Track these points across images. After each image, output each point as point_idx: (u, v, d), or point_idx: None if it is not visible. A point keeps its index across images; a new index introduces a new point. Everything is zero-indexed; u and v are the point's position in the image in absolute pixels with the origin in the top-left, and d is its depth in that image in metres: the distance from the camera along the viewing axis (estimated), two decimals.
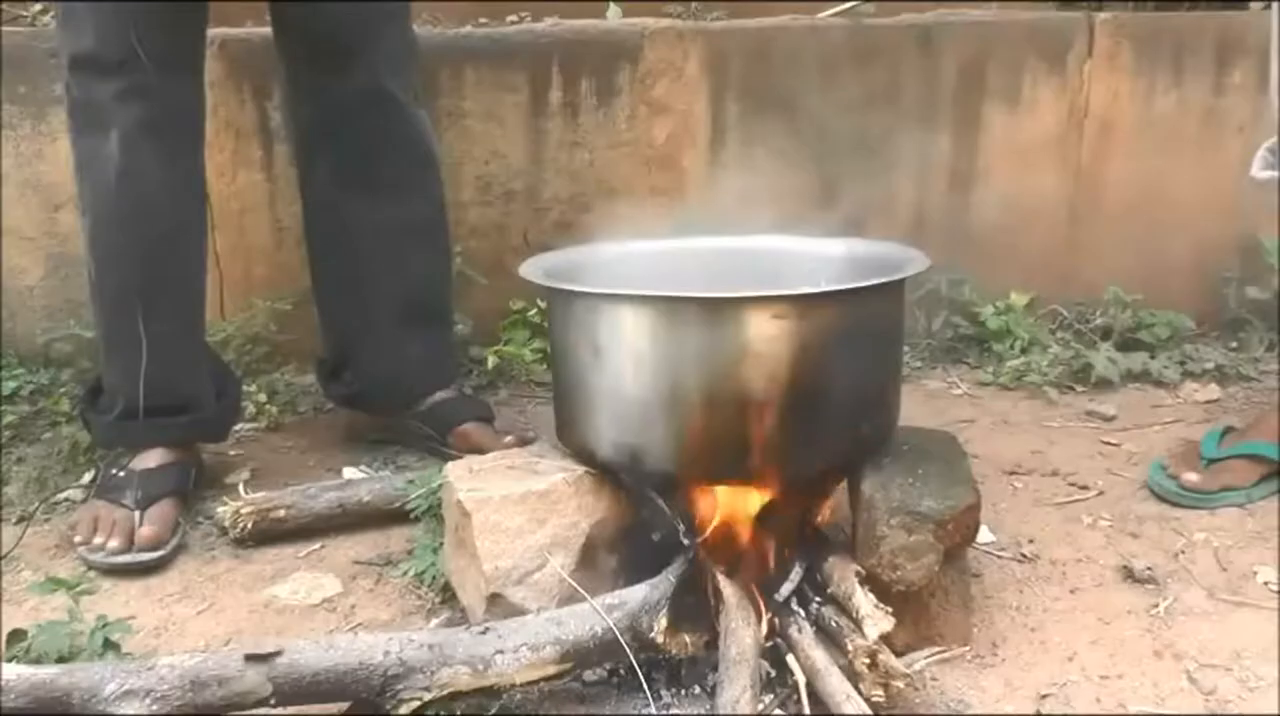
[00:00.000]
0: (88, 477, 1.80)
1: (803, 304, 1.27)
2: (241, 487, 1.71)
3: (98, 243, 1.64)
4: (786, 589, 1.32)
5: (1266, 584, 1.53)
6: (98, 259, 1.65)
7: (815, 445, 1.31)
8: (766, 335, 1.24)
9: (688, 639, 1.24)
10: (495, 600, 1.32)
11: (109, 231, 1.62)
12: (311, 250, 1.89)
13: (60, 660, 1.26)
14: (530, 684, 1.22)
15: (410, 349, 1.85)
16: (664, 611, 1.23)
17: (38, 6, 2.31)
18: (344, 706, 1.21)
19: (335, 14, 1.68)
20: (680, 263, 1.58)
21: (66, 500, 1.76)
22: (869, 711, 1.18)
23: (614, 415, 1.33)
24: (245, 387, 2.02)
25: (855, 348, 1.30)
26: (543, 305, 2.19)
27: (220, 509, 1.64)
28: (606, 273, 1.48)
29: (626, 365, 1.30)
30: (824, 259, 1.56)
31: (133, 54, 1.52)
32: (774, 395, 1.26)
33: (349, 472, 1.84)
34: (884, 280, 1.34)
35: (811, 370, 1.26)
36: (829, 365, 1.28)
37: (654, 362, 1.29)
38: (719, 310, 1.26)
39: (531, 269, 1.41)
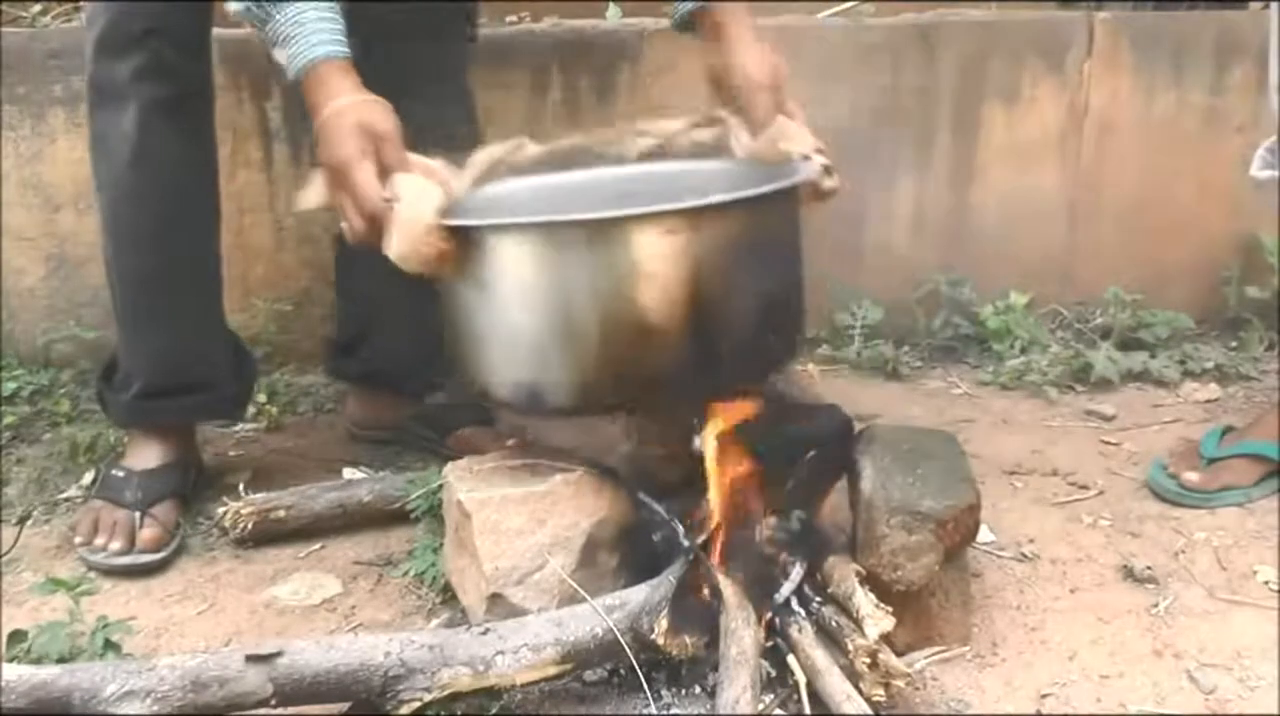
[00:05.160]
0: (88, 478, 1.80)
1: (692, 217, 1.22)
2: (241, 488, 1.71)
3: (113, 220, 1.64)
4: (787, 589, 1.32)
5: (1266, 583, 1.53)
6: (113, 236, 1.65)
7: (721, 363, 1.27)
8: (658, 253, 1.20)
9: (688, 639, 1.24)
10: (495, 600, 1.32)
11: (125, 209, 1.62)
12: None
13: (61, 660, 1.26)
14: (531, 684, 1.23)
15: (419, 331, 1.84)
16: (664, 612, 1.23)
17: (37, 7, 2.31)
18: (344, 707, 1.21)
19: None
20: (572, 195, 1.48)
21: (66, 500, 1.76)
22: (869, 711, 1.18)
23: (508, 353, 1.30)
24: None
25: (751, 259, 1.26)
26: None
27: (220, 509, 1.64)
28: (497, 211, 1.40)
29: (514, 299, 1.26)
30: (722, 177, 1.46)
31: (148, 32, 1.53)
32: (672, 315, 1.21)
33: (349, 473, 1.84)
34: (771, 188, 1.29)
35: (709, 286, 1.22)
36: (727, 279, 1.23)
37: (543, 294, 1.24)
38: (604, 231, 1.22)
39: None
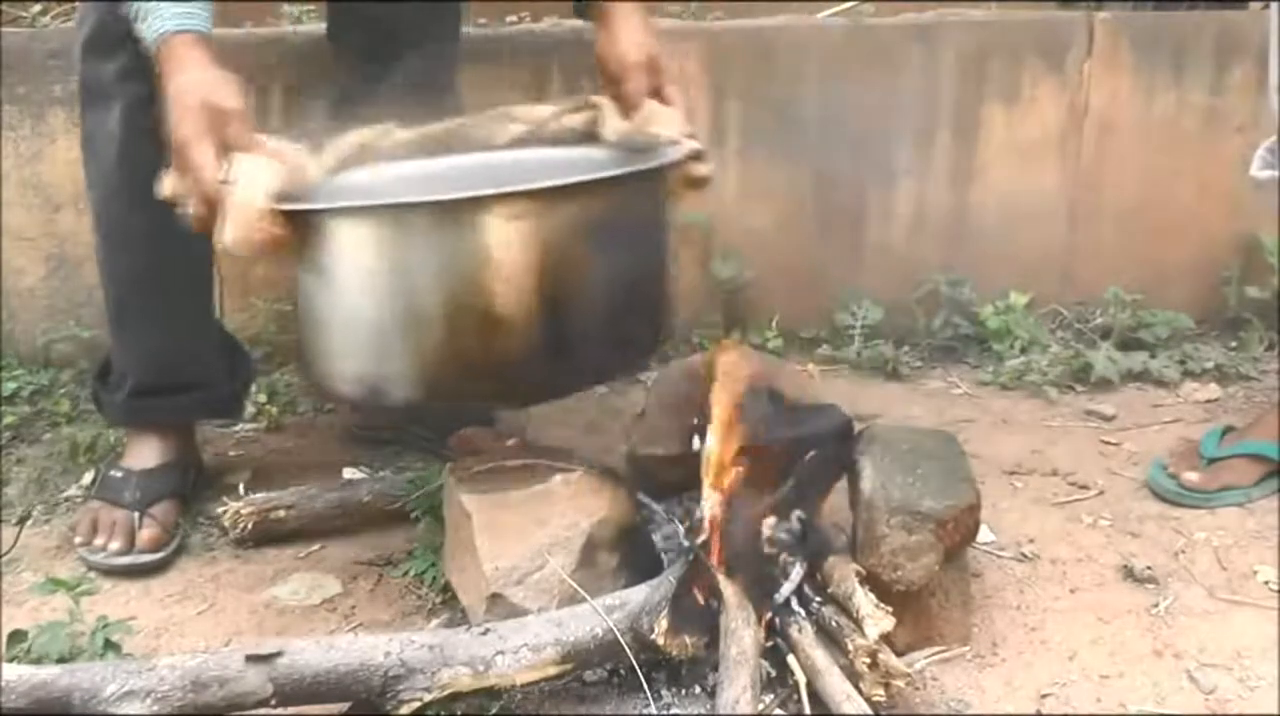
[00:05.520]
0: (88, 478, 1.79)
1: (534, 201, 1.16)
2: (241, 488, 1.71)
3: (103, 220, 1.64)
4: (787, 589, 1.32)
5: (1266, 583, 1.53)
6: (104, 236, 1.65)
7: (575, 355, 1.22)
8: (504, 239, 1.15)
9: (688, 639, 1.24)
10: (495, 600, 1.32)
11: (114, 208, 1.62)
12: None
13: (61, 661, 1.26)
14: (531, 684, 1.23)
15: None
16: (664, 612, 1.23)
17: (37, 7, 2.31)
18: (344, 707, 1.21)
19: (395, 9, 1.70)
20: (432, 181, 1.39)
21: (66, 500, 1.76)
22: (869, 711, 1.18)
23: (349, 344, 1.24)
24: None
25: (605, 245, 1.20)
26: None
27: (220, 509, 1.64)
28: (351, 196, 1.33)
29: (352, 286, 1.21)
30: (583, 162, 1.41)
31: (131, 31, 1.52)
32: (515, 303, 1.16)
33: (349, 473, 1.84)
34: (617, 172, 1.24)
35: (559, 272, 1.17)
36: (577, 265, 1.18)
37: (381, 281, 1.19)
38: (440, 215, 1.16)
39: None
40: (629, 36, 1.48)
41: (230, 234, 1.22)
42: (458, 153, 1.47)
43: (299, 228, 1.22)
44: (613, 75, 1.48)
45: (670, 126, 1.40)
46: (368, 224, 1.21)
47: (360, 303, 1.21)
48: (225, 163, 1.23)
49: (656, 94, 1.46)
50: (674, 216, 1.41)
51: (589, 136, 1.46)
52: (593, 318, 1.22)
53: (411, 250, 1.18)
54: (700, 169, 1.39)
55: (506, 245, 1.16)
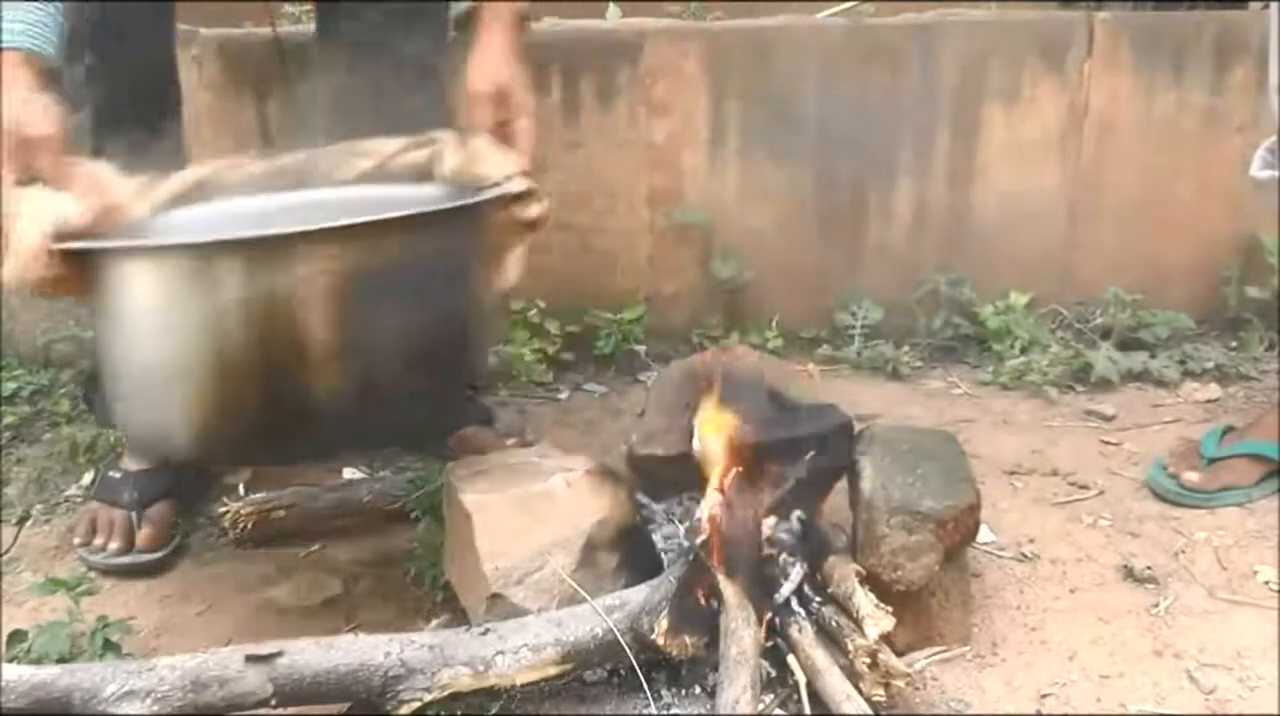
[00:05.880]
0: (88, 478, 1.80)
1: (294, 245, 1.08)
2: (241, 488, 1.71)
3: None
4: (787, 589, 1.32)
5: (1267, 583, 1.53)
6: None
7: (365, 408, 1.15)
8: (279, 284, 1.08)
9: (688, 639, 1.24)
10: (495, 600, 1.32)
11: None
12: None
13: (61, 661, 1.26)
14: (531, 684, 1.23)
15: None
16: (664, 612, 1.23)
17: None
18: (344, 707, 1.21)
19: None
20: (259, 219, 1.32)
21: (66, 500, 1.76)
22: (869, 711, 1.18)
23: (130, 388, 1.18)
24: None
25: (401, 293, 1.14)
26: (542, 305, 2.19)
27: (220, 509, 1.64)
28: (172, 234, 1.27)
29: (130, 331, 1.14)
30: (407, 202, 1.32)
31: (91, 31, 1.49)
32: (297, 354, 1.09)
33: (349, 473, 1.84)
34: (406, 213, 1.15)
35: (345, 321, 1.10)
36: (364, 314, 1.11)
37: (157, 327, 1.12)
38: (207, 258, 1.09)
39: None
40: (481, 64, 1.41)
41: (6, 269, 1.16)
42: (301, 187, 1.41)
43: (83, 266, 1.16)
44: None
45: (497, 166, 1.32)
46: (142, 265, 1.14)
47: (134, 349, 1.16)
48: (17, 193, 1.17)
49: (503, 127, 1.39)
50: (507, 259, 1.34)
51: (428, 174, 1.40)
52: (377, 372, 1.15)
53: (184, 294, 1.11)
54: (528, 211, 1.32)
55: (282, 291, 1.09)
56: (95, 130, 1.54)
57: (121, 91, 1.56)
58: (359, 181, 1.40)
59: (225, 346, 1.11)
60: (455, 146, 1.37)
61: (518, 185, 1.31)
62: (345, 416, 1.15)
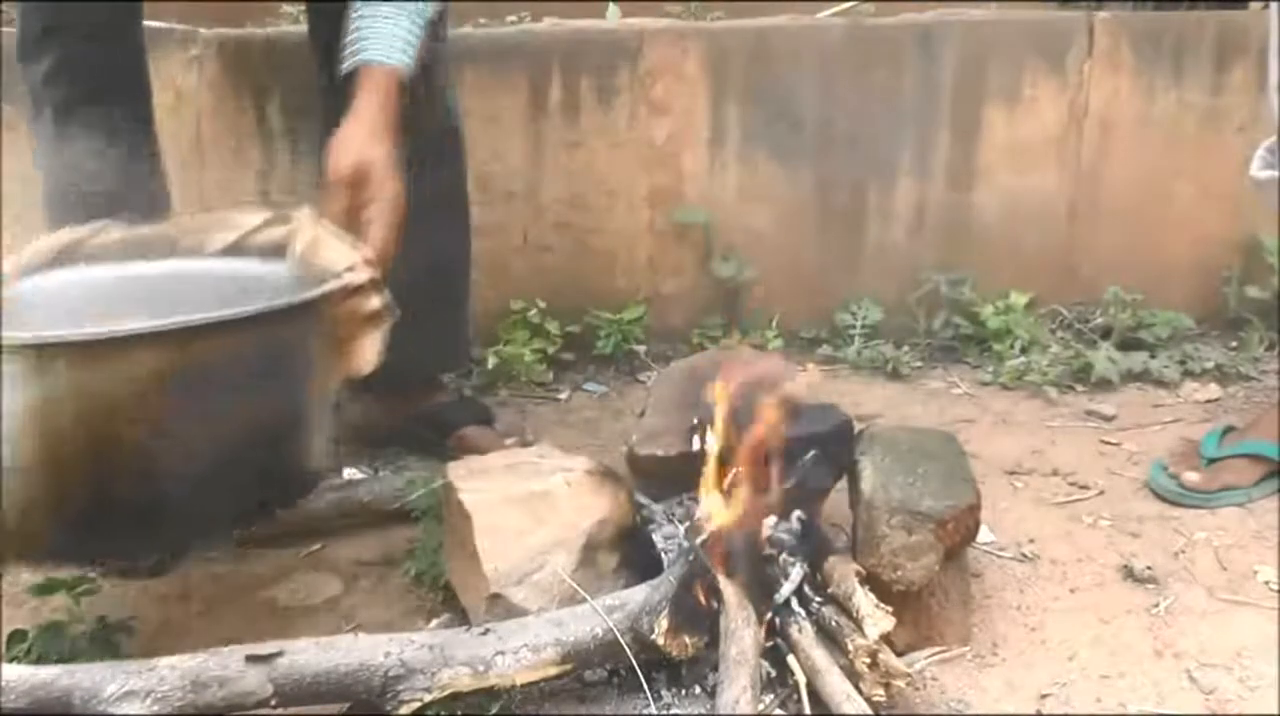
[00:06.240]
0: None
1: (91, 347, 1.05)
2: None
3: (54, 227, 1.62)
4: (787, 589, 1.32)
5: (1267, 583, 1.53)
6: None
7: (164, 513, 1.13)
8: (48, 387, 1.06)
9: (688, 639, 1.24)
10: (495, 601, 1.32)
11: (58, 213, 1.59)
12: None
13: (61, 661, 1.26)
14: (531, 684, 1.23)
15: (424, 327, 1.83)
16: (664, 612, 1.23)
17: None
18: (344, 707, 1.21)
19: None
20: (111, 292, 1.32)
21: None
22: (869, 711, 1.18)
23: None
24: None
25: (212, 394, 1.11)
26: (542, 305, 2.19)
27: None
28: (42, 307, 1.25)
29: None
30: (254, 286, 1.30)
31: (48, 31, 1.50)
32: (126, 449, 1.08)
33: (349, 473, 1.84)
34: (225, 315, 1.11)
35: (170, 418, 1.08)
36: (192, 409, 1.10)
37: None
38: (17, 355, 1.06)
39: None
40: (345, 140, 1.36)
41: None
42: (166, 256, 1.38)
43: None
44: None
45: (339, 256, 1.27)
46: None
47: None
48: None
49: (357, 211, 1.34)
50: (358, 347, 1.29)
51: (282, 252, 1.36)
52: (200, 466, 1.12)
53: None
54: (369, 303, 1.26)
55: (52, 394, 1.06)
56: (58, 132, 1.54)
57: (85, 91, 1.55)
58: (221, 254, 1.38)
59: (46, 440, 1.08)
60: (308, 227, 1.33)
61: (358, 277, 1.25)
62: (167, 510, 1.14)
